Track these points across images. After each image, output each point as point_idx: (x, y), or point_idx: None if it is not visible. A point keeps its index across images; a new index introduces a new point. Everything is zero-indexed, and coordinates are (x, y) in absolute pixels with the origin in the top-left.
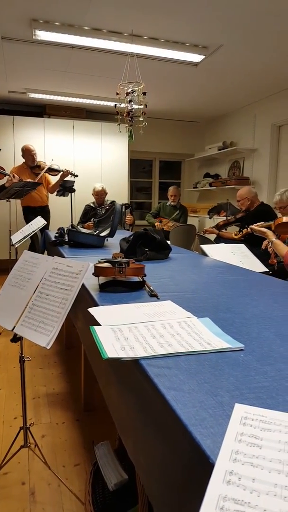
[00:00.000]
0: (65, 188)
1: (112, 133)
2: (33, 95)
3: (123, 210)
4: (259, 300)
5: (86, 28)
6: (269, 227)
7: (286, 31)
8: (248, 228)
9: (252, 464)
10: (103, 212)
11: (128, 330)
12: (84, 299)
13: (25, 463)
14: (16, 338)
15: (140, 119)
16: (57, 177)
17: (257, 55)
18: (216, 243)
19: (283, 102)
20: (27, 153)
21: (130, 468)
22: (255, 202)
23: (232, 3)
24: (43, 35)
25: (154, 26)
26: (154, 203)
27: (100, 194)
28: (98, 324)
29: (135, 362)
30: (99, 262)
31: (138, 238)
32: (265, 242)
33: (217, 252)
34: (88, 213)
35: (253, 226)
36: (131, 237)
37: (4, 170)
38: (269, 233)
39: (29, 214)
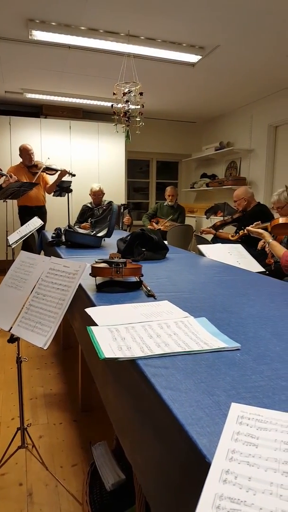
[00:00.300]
0: (62, 188)
1: (109, 133)
2: (30, 95)
3: (122, 210)
4: (255, 300)
5: (82, 28)
6: (265, 228)
7: (283, 31)
8: (245, 230)
9: (248, 463)
10: (100, 212)
11: (125, 330)
12: (81, 299)
13: (23, 464)
14: (13, 339)
15: (137, 119)
16: (55, 177)
17: (254, 55)
18: (213, 243)
19: (280, 102)
20: (25, 152)
21: (127, 468)
22: (251, 203)
23: (228, 4)
24: (39, 35)
25: (150, 26)
26: (151, 203)
27: (97, 195)
28: (95, 324)
29: (132, 362)
30: (96, 262)
31: (135, 238)
32: (261, 242)
33: (214, 252)
34: (85, 213)
35: (249, 228)
36: (128, 237)
37: (1, 171)
38: (266, 234)
39: (25, 214)
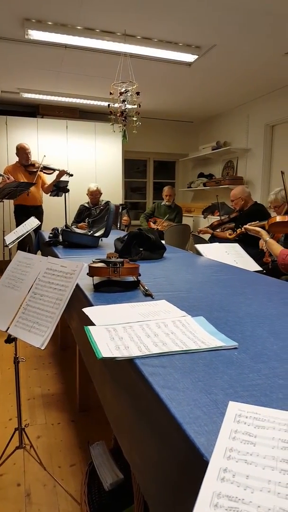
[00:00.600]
0: (59, 188)
1: (106, 133)
2: (26, 95)
3: (120, 210)
4: (253, 298)
5: (79, 27)
6: (263, 227)
7: (279, 31)
8: (242, 228)
9: (246, 461)
10: (97, 212)
11: (123, 330)
12: (78, 299)
13: (21, 464)
14: (10, 339)
15: (134, 119)
16: (52, 176)
17: (250, 55)
18: (211, 242)
19: (277, 102)
20: (22, 151)
21: (125, 467)
22: (248, 202)
23: (225, 3)
24: (35, 34)
25: (147, 25)
26: (149, 203)
27: (94, 194)
28: (93, 324)
29: (130, 362)
30: (93, 262)
31: (132, 238)
32: (261, 243)
33: (212, 251)
34: (83, 213)
35: (247, 226)
36: (126, 237)
37: None
38: (263, 233)
39: (21, 213)
